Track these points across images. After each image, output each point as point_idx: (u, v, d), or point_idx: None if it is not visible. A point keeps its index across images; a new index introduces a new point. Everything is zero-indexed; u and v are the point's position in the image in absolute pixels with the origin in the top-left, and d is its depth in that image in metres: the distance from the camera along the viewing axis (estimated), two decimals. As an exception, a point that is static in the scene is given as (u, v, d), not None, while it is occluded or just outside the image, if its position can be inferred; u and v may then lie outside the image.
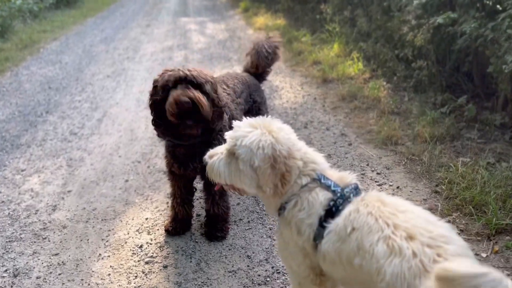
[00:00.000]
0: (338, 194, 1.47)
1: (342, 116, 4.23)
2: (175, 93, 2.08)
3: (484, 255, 2.26)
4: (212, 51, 7.06)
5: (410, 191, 2.87)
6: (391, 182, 3.01)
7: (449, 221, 2.52)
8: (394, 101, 4.23)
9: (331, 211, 1.46)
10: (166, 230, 2.55)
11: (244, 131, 1.52)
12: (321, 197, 1.48)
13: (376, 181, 3.04)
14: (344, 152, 3.49)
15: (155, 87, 2.20)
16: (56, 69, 6.42)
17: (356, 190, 1.51)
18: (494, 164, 2.99)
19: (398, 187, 2.93)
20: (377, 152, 3.45)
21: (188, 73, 2.12)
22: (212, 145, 1.89)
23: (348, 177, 1.55)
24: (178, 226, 2.53)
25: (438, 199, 2.73)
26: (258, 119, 1.57)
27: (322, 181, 1.50)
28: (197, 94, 2.09)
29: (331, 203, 1.46)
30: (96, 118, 4.46)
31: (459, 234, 2.43)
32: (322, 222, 1.45)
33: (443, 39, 4.27)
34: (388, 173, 3.13)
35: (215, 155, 1.60)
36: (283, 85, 5.26)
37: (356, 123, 4.02)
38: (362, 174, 3.14)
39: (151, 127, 3.73)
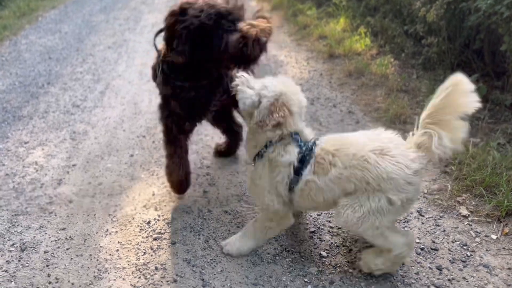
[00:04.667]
0: (304, 148, 1.87)
1: (349, 93, 4.17)
2: (253, 30, 1.91)
3: (494, 237, 2.25)
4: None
5: (419, 171, 2.84)
6: (399, 161, 2.97)
7: (459, 203, 2.51)
8: (403, 78, 4.16)
9: (302, 161, 1.87)
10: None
11: (269, 82, 1.87)
12: (295, 149, 1.88)
13: (384, 160, 3.01)
14: (352, 130, 3.44)
15: (181, 14, 1.99)
16: (56, 38, 6.28)
17: (315, 143, 1.90)
18: (504, 145, 2.96)
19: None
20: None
21: (229, 8, 1.98)
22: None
23: (309, 135, 1.96)
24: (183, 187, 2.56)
25: (447, 180, 2.71)
26: (283, 78, 1.91)
27: (294, 136, 1.89)
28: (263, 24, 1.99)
29: (300, 155, 1.87)
30: (99, 90, 4.38)
31: (468, 215, 2.42)
32: (297, 171, 1.88)
33: (454, 15, 4.16)
34: (397, 152, 3.09)
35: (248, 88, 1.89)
36: (288, 60, 5.16)
37: (363, 100, 3.96)
38: (370, 152, 3.11)
39: (155, 101, 3.67)
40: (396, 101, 3.73)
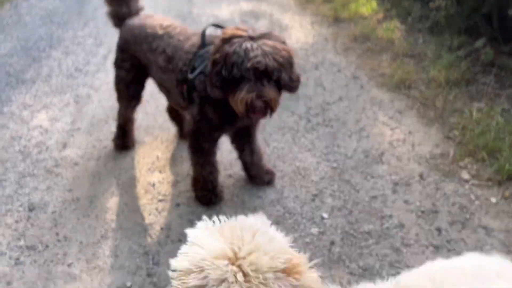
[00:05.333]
0: None
1: (354, 57, 4.12)
2: (248, 96, 1.84)
3: (494, 200, 2.28)
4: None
5: (422, 136, 2.85)
6: (403, 126, 2.98)
7: (461, 167, 2.53)
8: (409, 43, 4.10)
9: None
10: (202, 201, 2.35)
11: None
12: None
13: (388, 125, 3.02)
14: (356, 95, 3.43)
15: (225, 57, 1.85)
16: (56, 1, 6.16)
17: None
18: (509, 110, 2.95)
19: (410, 132, 2.91)
20: (390, 96, 3.38)
21: (267, 61, 1.81)
22: None
23: None
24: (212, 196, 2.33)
25: (450, 145, 2.72)
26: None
27: None
28: (273, 96, 1.89)
29: None
30: (101, 54, 4.35)
31: (470, 179, 2.44)
32: None
33: (464, -24, 4.05)
34: (400, 118, 3.09)
35: None
36: (293, 23, 5.07)
37: (368, 65, 3.92)
38: (374, 118, 3.11)
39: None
40: (401, 66, 3.69)
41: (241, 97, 1.85)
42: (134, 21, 2.48)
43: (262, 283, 0.88)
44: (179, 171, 2.59)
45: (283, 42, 1.93)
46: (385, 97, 3.36)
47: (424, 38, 4.21)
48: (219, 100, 1.99)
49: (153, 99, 3.43)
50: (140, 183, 2.51)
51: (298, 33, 4.78)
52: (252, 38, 1.86)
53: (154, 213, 2.28)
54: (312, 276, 0.96)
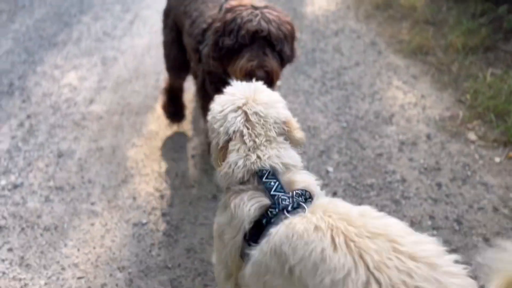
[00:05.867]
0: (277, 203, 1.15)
1: (374, 25, 4.12)
2: (248, 64, 1.74)
3: (497, 159, 2.33)
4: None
5: (434, 100, 2.89)
6: (416, 90, 3.02)
7: (468, 129, 2.58)
8: (431, 10, 4.06)
9: (261, 225, 1.15)
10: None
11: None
12: (250, 204, 1.19)
13: (401, 89, 3.06)
14: (373, 60, 3.47)
15: (224, 25, 1.79)
16: (87, -30, 6.34)
17: (304, 198, 1.18)
18: (524, 76, 2.94)
19: (422, 96, 2.95)
20: (406, 61, 3.41)
21: (270, 28, 1.74)
22: None
23: (304, 181, 1.26)
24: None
25: (461, 108, 2.75)
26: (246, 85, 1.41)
27: (264, 179, 1.21)
28: (275, 66, 1.78)
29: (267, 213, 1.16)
30: (128, 20, 4.51)
31: (476, 140, 2.49)
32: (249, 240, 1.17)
33: None
34: (415, 82, 3.13)
35: None
36: (316, -9, 5.07)
37: (388, 32, 3.92)
38: (388, 83, 3.16)
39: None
40: (420, 33, 3.68)
41: (241, 65, 1.74)
42: None
43: (263, 125, 1.28)
44: (195, 127, 2.75)
45: (287, 15, 1.87)
46: (401, 62, 3.39)
47: (448, 5, 4.16)
48: (218, 79, 1.89)
49: (175, 61, 3.58)
50: (159, 136, 2.68)
51: (321, 0, 4.79)
52: (255, 8, 1.80)
53: (170, 163, 2.45)
54: (299, 132, 1.35)
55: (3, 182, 2.37)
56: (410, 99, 2.94)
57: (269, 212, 1.15)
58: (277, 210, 1.14)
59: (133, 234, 2.05)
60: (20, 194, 2.29)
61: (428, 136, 2.56)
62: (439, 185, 2.21)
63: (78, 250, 1.99)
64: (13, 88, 3.25)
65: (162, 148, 2.58)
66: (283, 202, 1.15)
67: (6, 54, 3.78)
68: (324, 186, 2.25)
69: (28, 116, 2.91)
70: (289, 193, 1.17)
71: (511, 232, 1.94)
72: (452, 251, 1.85)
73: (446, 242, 1.93)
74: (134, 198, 2.23)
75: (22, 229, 2.10)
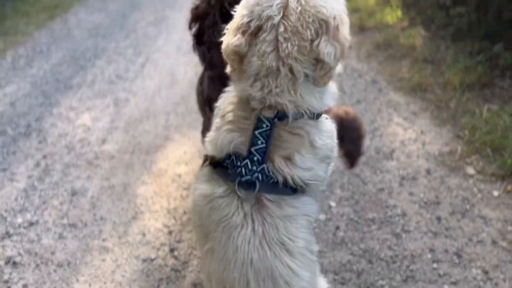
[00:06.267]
0: None
1: (375, 64, 4.28)
2: None
3: (496, 193, 2.39)
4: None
5: (433, 136, 2.99)
6: (415, 126, 3.12)
7: (467, 163, 2.66)
8: (429, 49, 4.22)
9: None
10: None
11: None
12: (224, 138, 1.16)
13: (401, 126, 3.17)
14: (373, 98, 3.60)
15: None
16: (102, 16, 6.70)
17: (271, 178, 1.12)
18: (521, 112, 3.03)
19: (422, 131, 3.05)
20: (406, 99, 3.53)
21: None
22: None
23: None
24: None
25: (459, 143, 2.84)
26: None
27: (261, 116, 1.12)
28: None
29: None
30: (140, 63, 4.74)
31: (474, 174, 2.56)
32: None
33: (485, -16, 4.14)
34: (414, 119, 3.23)
35: None
36: (320, 33, 5.29)
37: (388, 71, 4.07)
38: (388, 119, 3.27)
39: (190, 72, 3.95)
40: (419, 71, 3.83)
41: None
42: None
43: (301, 22, 1.03)
44: (203, 164, 2.86)
45: None
46: (401, 100, 3.51)
47: (446, 45, 4.32)
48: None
49: (184, 102, 3.75)
50: (168, 173, 2.80)
51: (324, 42, 4.99)
52: None
53: (179, 199, 2.55)
54: (346, 34, 1.10)
55: (20, 220, 2.48)
56: (410, 135, 3.04)
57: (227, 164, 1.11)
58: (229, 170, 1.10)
59: (142, 269, 2.12)
60: (35, 231, 2.40)
61: (428, 171, 2.64)
62: (438, 218, 2.27)
63: (90, 285, 2.07)
64: (30, 130, 3.42)
65: (171, 186, 2.69)
66: (239, 168, 1.09)
67: (24, 97, 3.99)
68: (327, 221, 2.32)
69: (44, 156, 3.06)
70: (264, 160, 1.06)
71: (509, 265, 1.98)
72: (452, 284, 1.91)
73: (446, 275, 1.98)
74: (144, 234, 2.32)
75: (37, 265, 2.19)
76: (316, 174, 1.12)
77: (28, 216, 2.51)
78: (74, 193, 2.67)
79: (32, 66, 4.74)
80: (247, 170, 1.08)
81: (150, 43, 5.36)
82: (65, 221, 2.45)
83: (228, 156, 1.11)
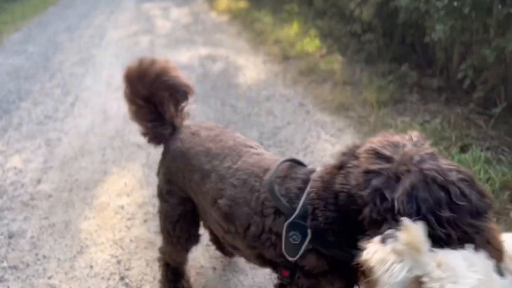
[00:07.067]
0: None
1: (301, 88, 4.61)
2: None
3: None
4: (177, 35, 7.28)
5: (358, 148, 3.28)
6: (341, 141, 3.41)
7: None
8: (347, 72, 4.64)
9: None
10: None
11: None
12: None
13: (329, 142, 3.44)
14: (302, 119, 3.88)
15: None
16: (22, 59, 6.50)
17: None
18: (429, 121, 3.44)
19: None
20: (331, 117, 3.84)
21: None
22: None
23: None
24: None
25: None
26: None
27: None
28: None
29: None
30: (69, 102, 4.67)
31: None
32: None
33: (388, 13, 4.69)
34: (340, 134, 3.53)
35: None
36: (247, 63, 5.58)
37: (313, 94, 4.40)
38: (317, 137, 3.54)
39: (123, 106, 4.01)
40: (341, 92, 4.19)
41: None
42: None
43: None
44: (145, 194, 2.89)
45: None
46: (327, 119, 3.82)
47: (361, 67, 4.77)
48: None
49: (119, 136, 3.76)
50: (110, 206, 2.79)
51: (252, 72, 5.27)
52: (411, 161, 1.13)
53: (124, 230, 2.56)
54: None
55: (-48, 270, 2.34)
56: (337, 149, 3.30)
57: None
58: None
59: (93, 302, 2.10)
60: (-29, 279, 2.27)
61: (357, 179, 2.89)
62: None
63: (38, 325, 2.01)
64: (-45, 177, 3.24)
65: (114, 217, 2.68)
66: None
67: None
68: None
69: (-26, 202, 2.91)
70: None
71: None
72: None
73: None
74: (91, 267, 2.29)
75: (-24, 313, 2.08)
76: None
77: (-39, 264, 2.37)
78: (11, 235, 2.57)
79: (-51, 112, 4.49)
80: None
81: (78, 82, 5.31)
82: (4, 264, 2.35)
83: None
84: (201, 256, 2.33)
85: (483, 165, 2.64)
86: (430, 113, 3.57)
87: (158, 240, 2.40)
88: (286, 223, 1.35)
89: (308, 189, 1.37)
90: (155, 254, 2.34)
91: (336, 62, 4.98)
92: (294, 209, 1.35)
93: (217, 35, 7.12)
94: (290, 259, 1.36)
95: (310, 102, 4.23)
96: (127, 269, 2.26)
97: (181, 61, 5.74)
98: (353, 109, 3.89)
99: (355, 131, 3.53)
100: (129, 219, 2.65)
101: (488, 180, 2.55)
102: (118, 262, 2.32)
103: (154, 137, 1.85)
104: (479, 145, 3.02)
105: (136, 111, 1.83)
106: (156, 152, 3.08)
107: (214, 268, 2.26)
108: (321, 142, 3.45)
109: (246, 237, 1.48)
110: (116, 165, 3.30)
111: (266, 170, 1.50)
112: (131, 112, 1.85)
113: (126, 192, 2.93)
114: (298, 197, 1.37)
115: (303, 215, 1.34)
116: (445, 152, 2.91)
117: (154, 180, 2.96)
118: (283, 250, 1.37)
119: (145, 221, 2.63)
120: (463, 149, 2.94)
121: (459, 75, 3.48)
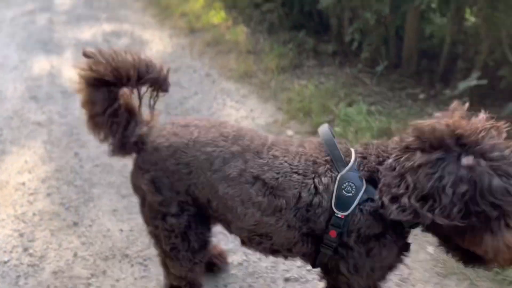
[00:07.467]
0: None
1: (207, 60, 4.69)
2: None
3: (310, 146, 2.94)
4: (78, 12, 6.93)
5: (260, 111, 3.48)
6: (246, 106, 3.58)
7: (287, 127, 3.18)
8: (251, 42, 4.80)
9: None
10: None
11: None
12: None
13: (234, 108, 3.60)
14: (208, 88, 3.98)
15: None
16: None
17: None
18: (323, 83, 3.72)
19: (251, 110, 3.52)
20: (236, 85, 3.99)
21: None
22: None
23: None
24: None
25: (280, 113, 3.37)
26: None
27: None
28: None
29: None
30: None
31: (293, 135, 3.09)
32: None
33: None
34: (244, 100, 3.70)
35: None
36: (153, 38, 5.51)
37: (219, 64, 4.51)
38: (223, 104, 3.67)
39: (20, 86, 3.82)
40: (245, 61, 4.35)
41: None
42: None
43: None
44: (47, 169, 2.84)
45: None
46: (232, 87, 3.96)
47: (263, 37, 4.95)
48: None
49: (17, 116, 3.60)
50: (10, 184, 2.71)
51: (158, 46, 5.24)
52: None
53: (26, 205, 2.52)
54: None
55: None
56: (242, 114, 3.47)
57: None
58: None
59: (-4, 276, 2.08)
60: None
61: (258, 139, 3.08)
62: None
63: None
64: None
65: (15, 194, 2.62)
66: None
67: None
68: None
69: None
70: None
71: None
72: None
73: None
74: (-8, 244, 2.25)
75: None
76: None
77: None
78: None
79: None
80: None
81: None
82: None
83: None
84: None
85: (365, 116, 2.96)
86: (324, 76, 3.86)
87: (63, 211, 2.41)
88: (339, 175, 1.34)
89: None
90: (61, 223, 2.36)
91: (241, 33, 5.11)
92: (348, 162, 1.37)
93: (121, 11, 6.89)
94: (341, 214, 1.32)
95: (216, 72, 4.34)
96: (30, 241, 2.25)
97: (84, 38, 5.53)
98: (256, 76, 4.07)
99: (257, 96, 3.72)
100: (31, 194, 2.61)
101: (368, 128, 2.87)
102: (21, 235, 2.30)
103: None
104: (366, 101, 3.35)
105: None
106: (58, 129, 3.03)
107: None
108: (226, 108, 3.59)
109: (298, 211, 1.38)
110: (15, 144, 3.18)
111: (301, 142, 1.50)
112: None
113: (27, 169, 2.86)
114: (349, 154, 1.40)
115: (357, 168, 1.36)
116: (335, 108, 3.19)
117: (58, 156, 2.93)
118: (333, 206, 1.34)
119: (49, 194, 2.60)
120: (351, 105, 3.25)
121: (347, 38, 3.79)
